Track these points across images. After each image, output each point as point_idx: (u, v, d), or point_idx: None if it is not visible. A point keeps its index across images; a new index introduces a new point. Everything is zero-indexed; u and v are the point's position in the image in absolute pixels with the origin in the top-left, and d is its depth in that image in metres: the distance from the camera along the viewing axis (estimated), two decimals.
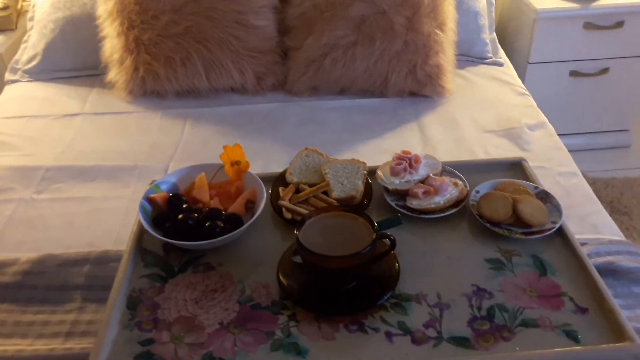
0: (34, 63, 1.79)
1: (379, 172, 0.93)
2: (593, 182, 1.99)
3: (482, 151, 1.44)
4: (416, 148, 1.47)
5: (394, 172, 0.91)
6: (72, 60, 1.79)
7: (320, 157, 0.98)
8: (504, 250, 0.83)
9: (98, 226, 1.25)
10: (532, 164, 1.36)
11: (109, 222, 1.25)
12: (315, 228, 0.76)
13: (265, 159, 1.42)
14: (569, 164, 1.41)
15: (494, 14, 1.93)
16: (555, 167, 1.39)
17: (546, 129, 1.53)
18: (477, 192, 0.91)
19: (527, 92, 1.70)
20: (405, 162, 0.91)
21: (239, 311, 0.75)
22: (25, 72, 1.80)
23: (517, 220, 0.85)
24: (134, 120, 1.60)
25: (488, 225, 0.85)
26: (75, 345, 0.98)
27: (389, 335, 0.71)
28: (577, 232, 1.15)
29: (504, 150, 1.44)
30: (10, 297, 1.08)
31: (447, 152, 1.44)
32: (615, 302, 0.73)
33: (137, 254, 0.85)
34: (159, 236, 0.82)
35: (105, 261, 1.12)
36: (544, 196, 0.90)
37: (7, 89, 1.78)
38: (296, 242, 0.73)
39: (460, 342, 0.70)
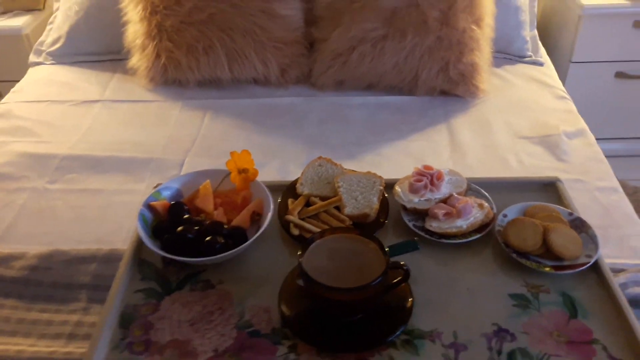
0: (57, 45, 1.77)
1: (397, 188, 0.86)
2: (634, 192, 1.87)
3: (515, 159, 1.35)
4: (444, 152, 1.39)
5: (413, 189, 0.83)
6: (95, 44, 1.76)
7: (334, 167, 0.91)
8: (531, 285, 0.75)
9: (108, 221, 1.21)
10: (568, 176, 1.28)
11: (119, 217, 1.22)
12: (321, 252, 0.70)
13: (284, 157, 1.37)
14: (610, 178, 1.30)
15: (536, 9, 1.82)
16: (594, 181, 1.29)
17: (586, 138, 1.42)
18: (505, 216, 0.82)
19: (567, 96, 1.59)
20: (427, 178, 0.83)
21: (236, 338, 0.70)
22: (49, 54, 1.78)
23: (547, 251, 0.77)
24: (153, 110, 1.56)
25: (514, 255, 0.77)
26: (75, 349, 0.96)
27: None
28: (615, 257, 1.07)
29: (539, 160, 1.35)
30: (15, 292, 1.06)
31: (477, 158, 1.35)
32: None
33: (135, 265, 0.81)
34: (155, 249, 0.77)
35: (112, 260, 1.09)
36: (579, 225, 0.81)
37: (31, 71, 1.76)
38: (299, 267, 0.67)
39: None
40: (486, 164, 1.33)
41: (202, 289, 0.76)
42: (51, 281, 1.06)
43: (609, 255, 1.08)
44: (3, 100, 1.61)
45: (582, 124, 1.47)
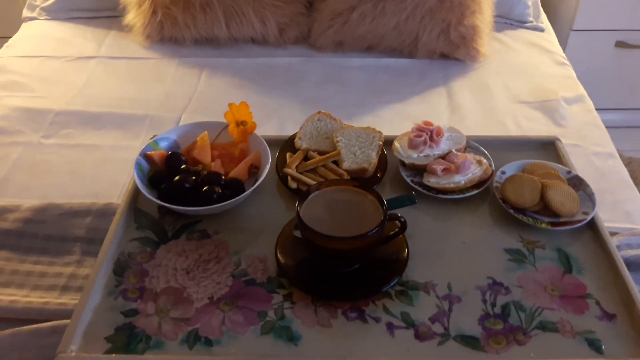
0: (52, 1, 1.73)
1: (396, 144, 0.85)
2: (629, 162, 1.88)
3: (514, 123, 1.34)
4: (443, 115, 1.38)
5: (413, 145, 0.83)
6: None
7: (333, 122, 0.90)
8: (527, 241, 0.75)
9: (104, 177, 1.21)
10: (565, 141, 1.26)
11: (115, 173, 1.21)
12: (319, 202, 0.70)
13: (281, 117, 1.36)
14: (606, 143, 1.30)
15: None
16: (591, 146, 1.28)
17: (584, 104, 1.42)
18: (503, 172, 0.82)
19: (567, 62, 1.57)
20: (426, 134, 0.83)
21: (232, 286, 0.70)
22: (43, 9, 1.74)
23: (545, 208, 0.76)
24: (150, 67, 1.54)
25: (511, 211, 0.77)
26: (69, 300, 0.96)
27: (390, 327, 0.65)
28: (609, 220, 1.06)
29: (537, 124, 1.34)
30: (10, 244, 1.05)
31: (476, 121, 1.35)
32: None
33: (131, 215, 0.80)
34: (152, 198, 0.76)
35: (107, 214, 1.09)
36: (577, 183, 0.81)
37: (25, 26, 1.73)
38: (296, 216, 0.67)
39: (468, 341, 0.63)
40: (484, 127, 1.32)
41: (199, 239, 0.76)
42: (45, 234, 1.06)
43: (603, 219, 1.09)
44: None
45: (581, 90, 1.46)
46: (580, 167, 1.20)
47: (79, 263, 1.03)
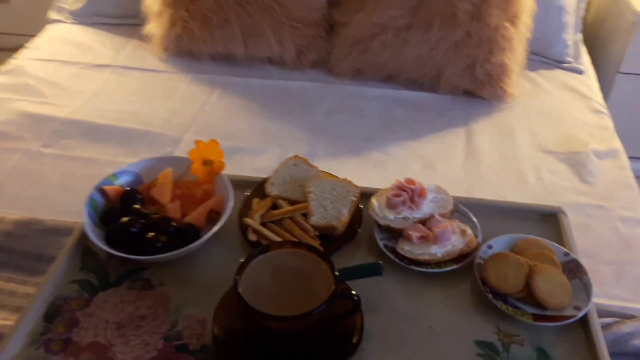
0: (79, 5, 1.74)
1: (373, 201, 0.76)
2: None
3: (534, 175, 1.24)
4: (457, 159, 1.28)
5: (391, 205, 0.74)
6: (116, 6, 1.73)
7: (309, 169, 0.83)
8: (504, 333, 0.65)
9: None
10: (590, 200, 1.17)
11: None
12: (265, 267, 0.62)
13: (285, 146, 1.30)
14: (637, 207, 1.17)
15: (582, 11, 1.66)
16: (618, 210, 1.16)
17: (618, 159, 1.29)
18: (490, 247, 0.72)
19: (604, 110, 1.45)
20: (407, 194, 0.74)
21: (161, 350, 0.63)
22: (71, 13, 1.75)
23: (530, 296, 0.66)
24: (162, 81, 1.51)
25: (490, 296, 0.67)
26: None
27: None
28: (628, 300, 0.96)
29: (561, 179, 1.23)
30: None
31: (493, 169, 1.25)
32: None
33: (78, 253, 0.75)
34: (95, 240, 0.71)
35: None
36: (574, 268, 0.70)
37: (49, 27, 1.73)
38: (233, 287, 0.59)
39: None
40: (501, 177, 1.23)
41: (140, 289, 0.70)
42: (22, 250, 1.04)
43: (621, 297, 0.98)
44: (15, 56, 1.59)
45: (617, 144, 1.34)
46: (602, 233, 1.10)
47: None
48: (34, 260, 1.03)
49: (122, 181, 0.80)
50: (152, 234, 0.69)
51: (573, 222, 0.82)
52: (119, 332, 0.65)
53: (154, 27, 1.57)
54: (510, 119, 1.40)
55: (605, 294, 0.96)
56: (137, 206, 0.73)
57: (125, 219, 0.71)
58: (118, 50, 1.62)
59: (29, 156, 1.26)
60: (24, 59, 1.58)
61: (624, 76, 1.73)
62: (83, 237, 0.77)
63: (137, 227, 0.70)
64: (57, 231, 1.07)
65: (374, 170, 1.23)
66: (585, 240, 1.05)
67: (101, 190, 0.77)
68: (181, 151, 1.26)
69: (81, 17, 1.73)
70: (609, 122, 1.41)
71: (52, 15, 1.76)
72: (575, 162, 1.27)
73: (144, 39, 1.62)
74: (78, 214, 1.09)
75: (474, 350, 0.63)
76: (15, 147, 1.28)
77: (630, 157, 1.32)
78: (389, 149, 1.31)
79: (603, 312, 0.88)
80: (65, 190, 1.18)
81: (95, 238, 0.71)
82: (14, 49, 1.82)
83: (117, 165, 1.21)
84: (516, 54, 1.43)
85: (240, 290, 0.58)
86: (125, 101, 1.43)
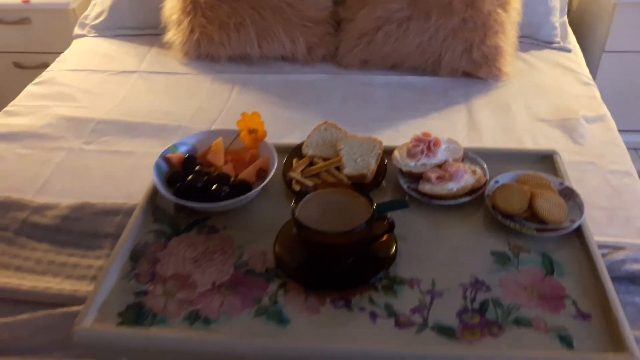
0: (100, 19, 1.87)
1: (396, 153, 0.90)
2: None
3: (532, 141, 1.37)
4: (461, 132, 1.41)
5: (411, 154, 0.88)
6: (135, 18, 1.86)
7: (338, 132, 0.97)
8: (513, 246, 0.79)
9: (136, 180, 1.29)
10: (581, 158, 1.30)
11: (146, 177, 1.26)
12: (315, 203, 0.76)
13: (305, 130, 1.40)
14: (625, 162, 1.30)
15: None
16: (608, 165, 1.29)
17: (606, 123, 1.43)
18: (497, 182, 0.86)
19: (592, 82, 1.59)
20: (424, 144, 0.88)
21: (233, 274, 0.76)
22: (92, 27, 1.88)
23: (533, 215, 0.80)
24: (185, 82, 1.64)
25: (499, 217, 0.81)
26: None
27: (373, 315, 0.70)
28: (619, 236, 1.08)
29: (555, 142, 1.36)
30: (48, 238, 1.15)
31: (494, 139, 1.37)
32: (622, 312, 0.67)
33: (149, 210, 0.88)
34: (166, 194, 0.84)
35: None
36: (568, 193, 0.84)
37: (75, 42, 1.87)
38: (291, 214, 0.73)
39: (444, 331, 0.68)
40: (501, 144, 1.35)
41: (207, 233, 0.83)
42: (79, 230, 1.15)
43: (613, 234, 1.10)
44: (48, 69, 1.72)
45: (604, 110, 1.47)
46: (594, 185, 1.23)
47: (109, 257, 1.11)
48: (91, 237, 1.14)
49: (181, 150, 0.93)
50: (215, 186, 0.83)
51: None
52: (196, 265, 0.78)
53: (174, 35, 1.71)
54: (507, 95, 1.53)
55: (600, 232, 1.09)
56: (198, 168, 0.87)
57: (190, 177, 0.85)
58: (141, 58, 1.75)
59: (72, 153, 1.38)
60: (56, 70, 1.70)
61: (610, 54, 1.87)
62: (152, 197, 0.90)
63: (202, 182, 0.84)
64: (108, 212, 1.18)
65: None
66: (580, 192, 1.18)
67: (165, 159, 0.91)
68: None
69: (104, 31, 1.87)
70: (596, 93, 1.54)
71: (77, 30, 1.91)
72: (568, 127, 1.40)
73: (164, 46, 1.75)
74: (124, 198, 1.23)
75: (490, 259, 0.77)
76: (59, 146, 1.40)
77: (619, 131, 1.45)
78: (398, 127, 1.44)
79: (598, 246, 1.01)
80: (109, 179, 1.30)
81: (167, 193, 0.84)
82: (38, 67, 1.96)
83: (154, 156, 1.36)
84: (508, 37, 1.57)
85: (296, 215, 0.72)
86: (154, 101, 1.55)
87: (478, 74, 1.57)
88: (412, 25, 1.55)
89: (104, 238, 1.15)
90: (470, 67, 1.56)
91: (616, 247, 1.04)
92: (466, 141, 1.37)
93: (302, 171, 0.90)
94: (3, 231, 1.16)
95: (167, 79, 1.66)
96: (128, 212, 1.17)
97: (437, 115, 1.48)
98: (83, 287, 1.04)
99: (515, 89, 1.55)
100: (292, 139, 1.40)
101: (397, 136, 1.40)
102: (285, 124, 1.45)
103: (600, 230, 1.08)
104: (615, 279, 0.99)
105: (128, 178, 1.30)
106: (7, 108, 1.54)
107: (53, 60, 1.77)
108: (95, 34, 1.87)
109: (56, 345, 0.93)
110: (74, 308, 0.97)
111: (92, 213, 1.18)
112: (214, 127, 1.44)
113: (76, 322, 0.70)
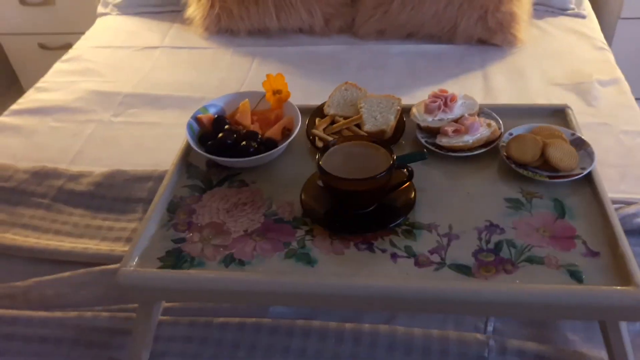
0: None
1: (414, 109, 0.95)
2: None
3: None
4: (477, 97, 1.40)
5: (428, 110, 0.92)
6: None
7: (358, 91, 1.01)
8: (526, 192, 0.83)
9: (164, 149, 1.35)
10: (595, 120, 1.33)
11: (174, 146, 1.32)
12: (338, 155, 0.81)
13: (323, 98, 1.44)
14: (638, 123, 1.33)
15: None
16: (621, 125, 1.33)
17: (620, 86, 1.45)
18: (511, 134, 0.90)
19: (606, 47, 1.61)
20: (441, 100, 0.92)
21: (263, 222, 0.82)
22: (115, 5, 1.94)
23: (545, 163, 0.84)
24: (207, 56, 1.69)
25: (513, 165, 0.85)
26: None
27: (394, 256, 0.75)
28: (631, 192, 1.13)
29: (569, 104, 1.39)
30: (84, 204, 1.22)
31: (509, 102, 1.41)
32: (630, 249, 0.72)
33: (183, 167, 0.94)
34: (200, 151, 0.90)
35: None
36: (579, 143, 0.88)
37: (99, 21, 1.93)
38: (317, 164, 0.78)
39: (461, 269, 0.73)
40: None
41: (238, 187, 0.89)
42: (113, 196, 1.23)
43: (625, 191, 1.14)
44: (74, 47, 1.79)
45: (618, 74, 1.49)
46: (607, 145, 1.26)
47: (141, 219, 1.18)
48: (124, 202, 1.22)
49: (211, 112, 0.99)
50: (245, 142, 0.88)
51: None
52: (229, 214, 0.84)
53: (195, 10, 1.76)
54: (522, 61, 1.56)
55: (612, 189, 1.12)
56: (227, 127, 0.93)
57: (221, 134, 0.90)
58: (164, 34, 1.81)
59: (102, 125, 1.45)
60: (82, 48, 1.77)
61: (625, 21, 1.88)
62: (185, 155, 0.96)
63: (232, 139, 0.89)
64: (139, 178, 1.25)
65: None
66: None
67: (196, 119, 0.97)
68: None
69: (126, 8, 1.92)
70: (610, 57, 1.57)
71: (100, 9, 1.97)
72: (582, 90, 1.43)
73: (185, 22, 1.81)
74: (153, 165, 1.29)
75: (504, 204, 0.81)
76: (89, 119, 1.47)
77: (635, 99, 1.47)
78: (415, 94, 1.47)
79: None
80: (138, 148, 1.37)
81: (200, 150, 0.90)
82: (62, 48, 2.02)
83: (180, 126, 1.41)
84: (523, 3, 1.60)
85: (321, 164, 0.77)
86: (178, 75, 1.61)
87: (493, 41, 1.60)
88: None
89: (136, 203, 1.22)
90: (486, 34, 1.59)
91: (628, 203, 1.08)
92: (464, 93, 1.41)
93: (324, 129, 0.95)
94: (41, 198, 1.23)
95: (190, 53, 1.71)
96: (159, 178, 1.23)
97: (453, 82, 1.52)
98: (119, 247, 1.11)
99: (530, 55, 1.58)
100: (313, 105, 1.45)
101: (414, 102, 1.43)
102: (305, 92, 1.49)
103: (612, 187, 1.12)
104: (627, 232, 1.03)
105: (156, 147, 1.37)
106: (38, 84, 1.61)
107: (77, 41, 1.83)
108: (118, 12, 1.93)
109: (97, 300, 1.01)
110: (112, 266, 1.04)
111: (124, 180, 1.25)
112: None
113: (120, 265, 0.76)
